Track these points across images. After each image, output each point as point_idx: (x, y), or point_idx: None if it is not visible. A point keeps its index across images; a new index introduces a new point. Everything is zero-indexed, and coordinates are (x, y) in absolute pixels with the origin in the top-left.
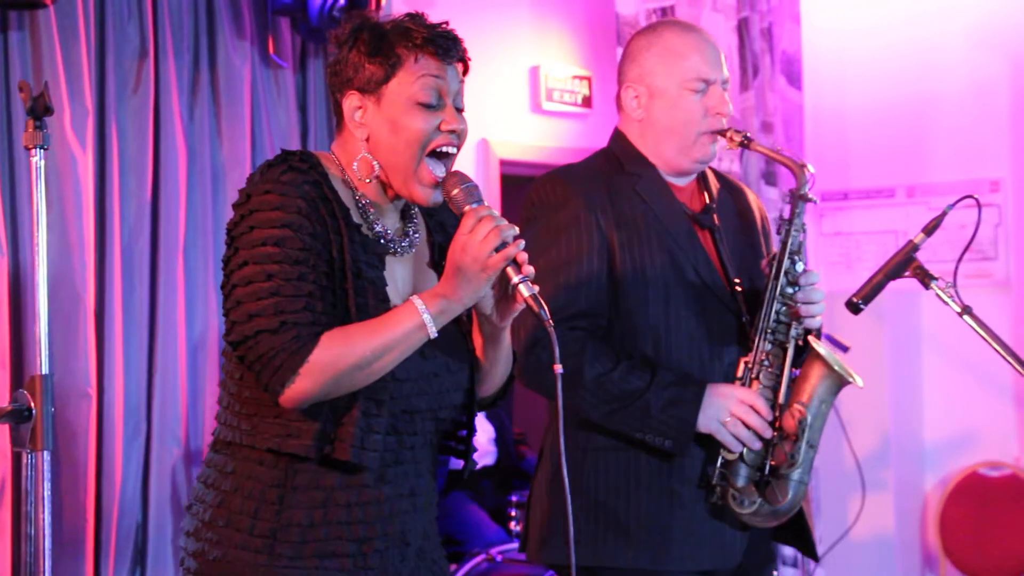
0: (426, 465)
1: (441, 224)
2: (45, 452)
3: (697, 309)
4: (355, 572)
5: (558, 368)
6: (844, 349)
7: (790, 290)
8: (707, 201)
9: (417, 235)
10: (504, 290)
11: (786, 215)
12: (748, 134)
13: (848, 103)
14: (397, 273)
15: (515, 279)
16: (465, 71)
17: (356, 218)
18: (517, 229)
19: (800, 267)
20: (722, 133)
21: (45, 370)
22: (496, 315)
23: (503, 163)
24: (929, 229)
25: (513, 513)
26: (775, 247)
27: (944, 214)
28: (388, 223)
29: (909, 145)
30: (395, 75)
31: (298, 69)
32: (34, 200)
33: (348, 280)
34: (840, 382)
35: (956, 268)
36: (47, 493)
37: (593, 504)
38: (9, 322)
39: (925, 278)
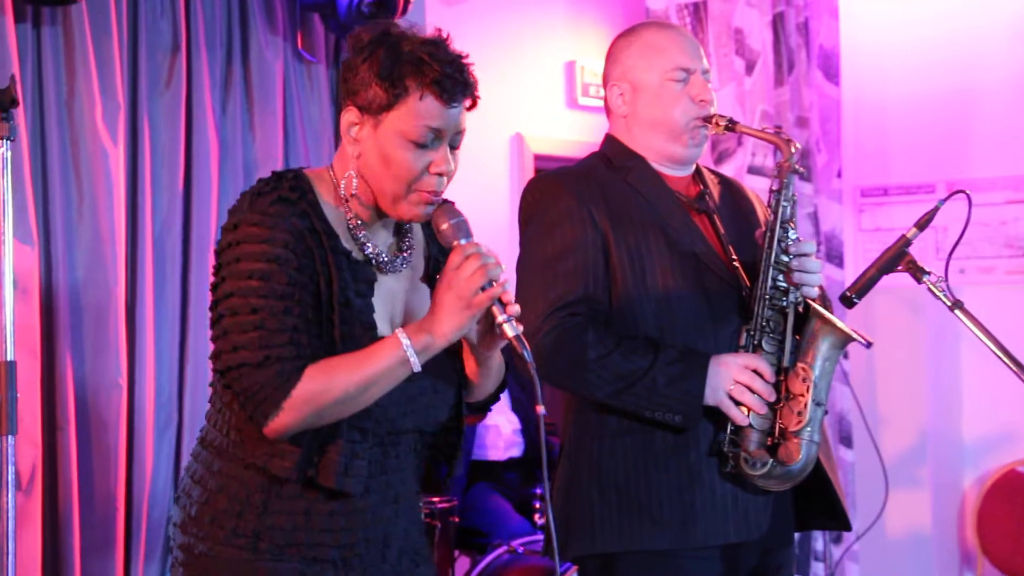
0: (411, 471)
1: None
2: (9, 436)
3: (697, 286)
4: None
5: (540, 409)
6: (868, 345)
7: (785, 258)
8: (701, 189)
9: (412, 250)
10: (490, 326)
11: (775, 187)
12: (732, 118)
13: (888, 97)
14: (390, 289)
15: (500, 318)
16: (472, 107)
17: (346, 242)
18: (504, 267)
19: (793, 236)
20: (707, 119)
21: (10, 357)
22: (482, 347)
23: (537, 158)
24: (921, 224)
25: (538, 505)
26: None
27: (936, 209)
28: (380, 241)
29: (950, 140)
30: (396, 107)
31: (331, 64)
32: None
33: (335, 311)
34: (843, 339)
35: (947, 263)
36: (12, 477)
37: (613, 489)
38: (40, 314)
39: (917, 272)
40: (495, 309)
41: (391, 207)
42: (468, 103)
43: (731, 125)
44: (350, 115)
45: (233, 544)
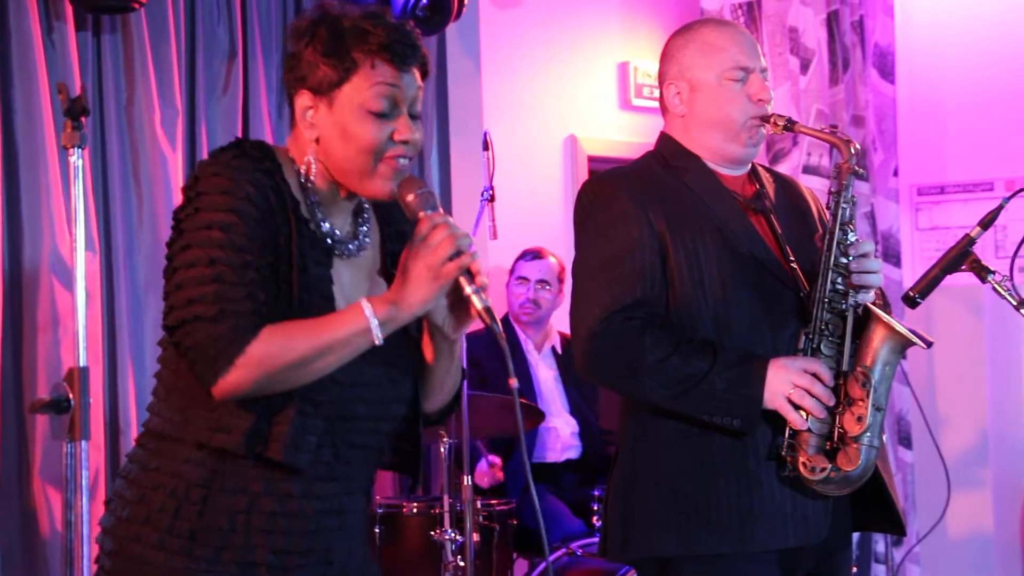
0: (359, 484)
1: (400, 233)
2: (83, 441)
3: (755, 288)
4: None
5: (513, 382)
6: (928, 345)
7: (844, 260)
8: (758, 188)
9: (368, 239)
10: (458, 300)
11: (834, 188)
12: (791, 117)
13: (945, 95)
14: (344, 275)
15: (468, 289)
16: (424, 76)
17: (305, 213)
18: (472, 238)
19: (852, 238)
20: (765, 119)
21: (83, 363)
22: (449, 325)
23: (591, 159)
24: (985, 223)
25: (595, 507)
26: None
27: (1000, 207)
28: (338, 223)
29: (1008, 137)
30: (349, 80)
31: None
32: (72, 197)
33: (293, 273)
34: (903, 343)
35: (1012, 262)
36: (85, 481)
37: (670, 492)
38: (102, 319)
39: (982, 272)
40: (463, 280)
41: (359, 184)
42: (420, 70)
43: (790, 125)
44: (303, 99)
45: (167, 548)
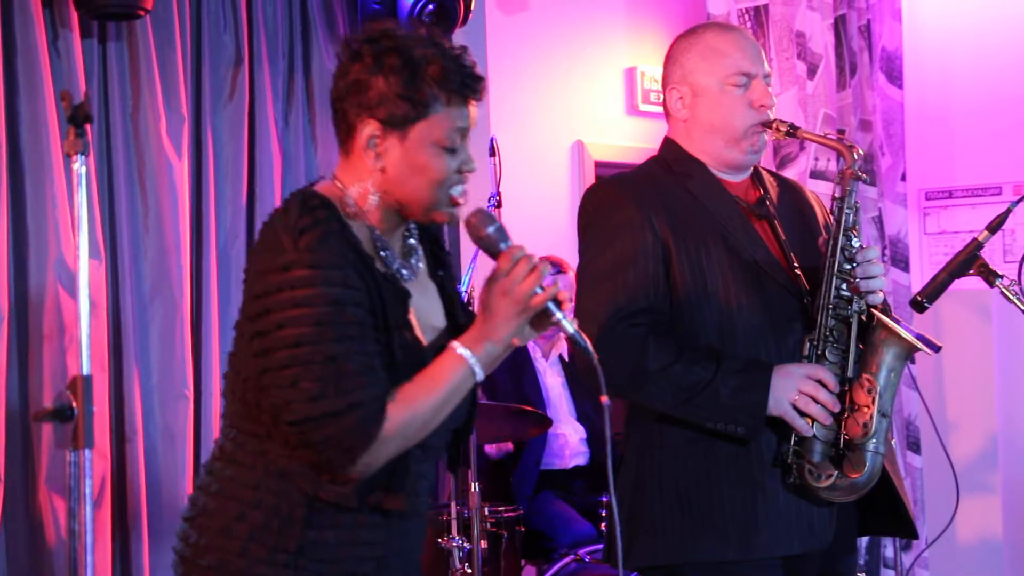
0: (432, 480)
1: (431, 236)
2: (87, 450)
3: (758, 295)
4: None
5: (605, 399)
6: (936, 350)
7: (848, 267)
8: (761, 194)
9: (417, 253)
10: (536, 316)
11: (838, 194)
12: (793, 123)
13: (952, 99)
14: (413, 298)
15: (557, 315)
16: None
17: (379, 266)
18: (550, 266)
19: (856, 243)
20: (768, 124)
21: (86, 371)
22: (522, 337)
23: (598, 164)
24: (993, 227)
25: (604, 513)
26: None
27: (1008, 211)
28: (395, 246)
29: (1016, 141)
30: (425, 118)
31: None
32: (75, 205)
33: (392, 337)
34: (908, 349)
35: (1020, 266)
36: (89, 490)
37: (675, 499)
38: (108, 327)
39: (989, 276)
40: (551, 306)
41: (423, 214)
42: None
43: (792, 130)
44: (369, 128)
45: (274, 562)
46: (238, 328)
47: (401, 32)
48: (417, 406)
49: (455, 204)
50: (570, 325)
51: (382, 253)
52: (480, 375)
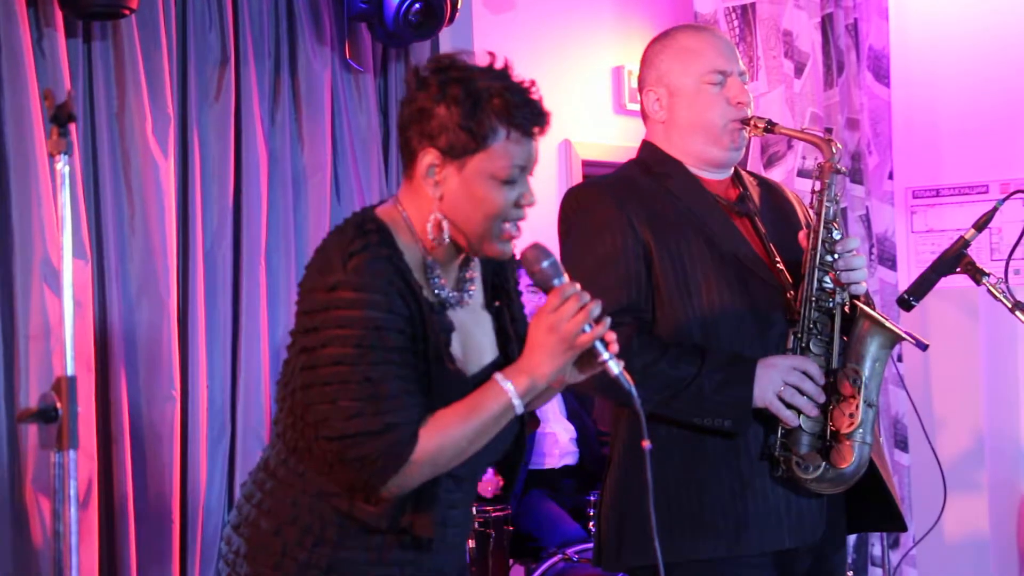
0: (471, 500)
1: (494, 266)
2: (72, 451)
3: (741, 290)
4: None
5: (646, 444)
6: (923, 347)
7: (830, 258)
8: (741, 192)
9: (473, 281)
10: (582, 355)
11: (817, 187)
12: (770, 119)
13: (939, 98)
14: (458, 321)
15: (603, 356)
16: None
17: (427, 294)
18: (600, 305)
19: (837, 235)
20: (745, 121)
21: (70, 372)
22: (569, 375)
23: (585, 164)
24: (980, 225)
25: (592, 513)
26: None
27: (995, 210)
28: (450, 278)
29: (1002, 140)
30: (485, 149)
31: (379, 73)
32: (58, 205)
33: (431, 365)
34: (892, 338)
35: (1007, 264)
36: (73, 491)
37: (664, 499)
38: (94, 328)
39: (976, 274)
40: (598, 346)
41: (476, 245)
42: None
43: (770, 126)
44: (429, 157)
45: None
46: (292, 337)
47: (469, 63)
48: (450, 433)
49: (508, 238)
50: (616, 366)
51: (432, 280)
52: (519, 408)
